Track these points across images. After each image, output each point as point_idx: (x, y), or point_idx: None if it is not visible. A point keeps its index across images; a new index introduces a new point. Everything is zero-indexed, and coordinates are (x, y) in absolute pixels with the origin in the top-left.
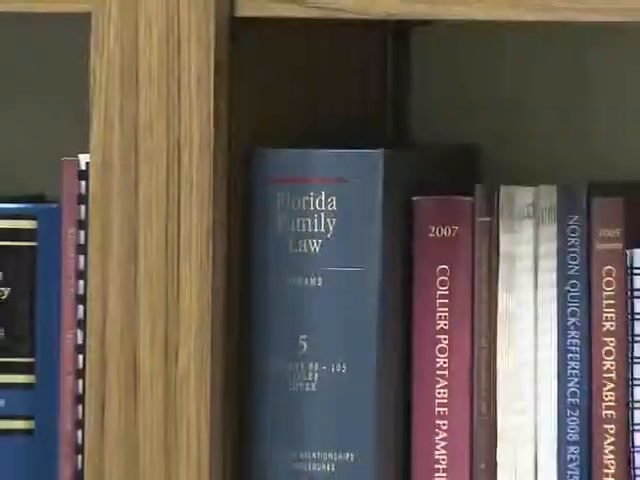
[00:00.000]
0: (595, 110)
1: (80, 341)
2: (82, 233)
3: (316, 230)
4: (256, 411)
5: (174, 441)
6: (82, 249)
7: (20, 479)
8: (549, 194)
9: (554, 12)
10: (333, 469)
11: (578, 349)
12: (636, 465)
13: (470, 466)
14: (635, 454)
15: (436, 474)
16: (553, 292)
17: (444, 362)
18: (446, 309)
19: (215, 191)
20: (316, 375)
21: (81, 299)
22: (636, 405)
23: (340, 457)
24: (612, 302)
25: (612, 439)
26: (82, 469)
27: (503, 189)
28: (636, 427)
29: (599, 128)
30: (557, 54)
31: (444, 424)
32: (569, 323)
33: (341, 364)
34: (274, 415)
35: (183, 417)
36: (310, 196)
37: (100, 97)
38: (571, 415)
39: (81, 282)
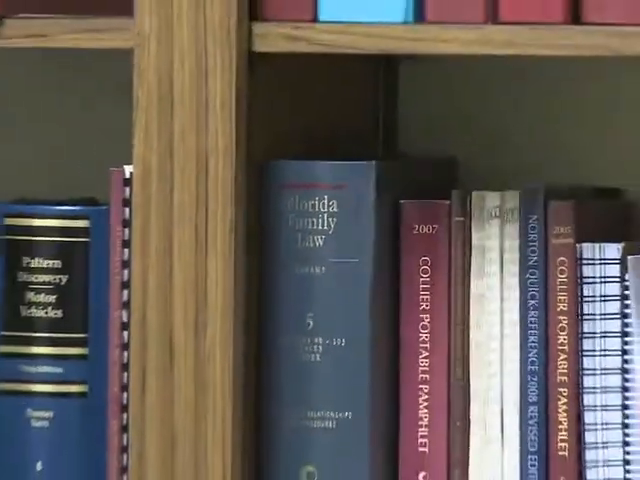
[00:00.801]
0: (554, 129)
1: (125, 319)
2: (126, 230)
3: (320, 228)
4: (270, 377)
5: (203, 402)
6: (126, 244)
7: (76, 434)
8: (513, 198)
9: (516, 48)
10: (334, 426)
11: (536, 325)
12: (585, 422)
13: (447, 422)
14: (584, 412)
15: (419, 429)
16: (516, 279)
17: (426, 336)
18: (427, 293)
19: (236, 196)
20: (320, 347)
21: (126, 285)
22: (585, 372)
23: (340, 415)
24: (565, 287)
25: (565, 400)
26: (127, 424)
27: (474, 194)
28: (585, 390)
29: (558, 142)
30: (523, 82)
31: (426, 387)
32: (529, 304)
33: (341, 338)
34: (285, 380)
35: (210, 383)
36: (315, 200)
37: (141, 118)
38: (531, 380)
39: (125, 271)
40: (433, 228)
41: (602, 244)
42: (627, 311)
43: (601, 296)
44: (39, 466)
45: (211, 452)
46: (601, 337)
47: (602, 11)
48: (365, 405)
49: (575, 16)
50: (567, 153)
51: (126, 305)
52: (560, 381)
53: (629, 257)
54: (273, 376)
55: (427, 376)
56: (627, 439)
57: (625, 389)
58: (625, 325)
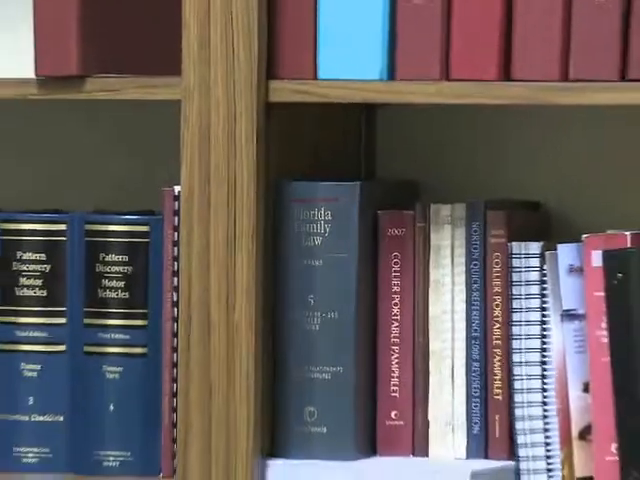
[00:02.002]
0: (491, 160)
1: (175, 299)
2: (176, 234)
3: (318, 231)
4: (282, 342)
5: (232, 361)
6: (176, 243)
7: (139, 384)
8: (460, 209)
9: (463, 98)
10: (329, 377)
11: (478, 303)
12: (513, 374)
13: (412, 374)
14: (513, 367)
15: (392, 379)
16: (463, 269)
17: (397, 311)
18: (398, 279)
19: (257, 208)
20: (318, 320)
21: (175, 274)
22: (513, 337)
23: (333, 369)
24: (498, 275)
25: (499, 358)
26: (176, 377)
27: (432, 206)
28: (513, 351)
29: (495, 169)
30: (470, 124)
31: (397, 349)
32: (473, 287)
33: (334, 312)
34: (293, 344)
35: (237, 347)
36: (314, 210)
37: (186, 151)
38: (474, 343)
39: (175, 263)
40: (401, 231)
41: (526, 243)
42: (545, 292)
43: (525, 281)
44: (112, 408)
45: (239, 397)
46: (525, 311)
47: (526, 71)
48: (352, 362)
49: (506, 74)
50: (501, 176)
51: (176, 289)
52: (495, 344)
53: (546, 252)
54: (284, 341)
55: (397, 340)
56: (544, 386)
57: (543, 350)
58: (543, 302)
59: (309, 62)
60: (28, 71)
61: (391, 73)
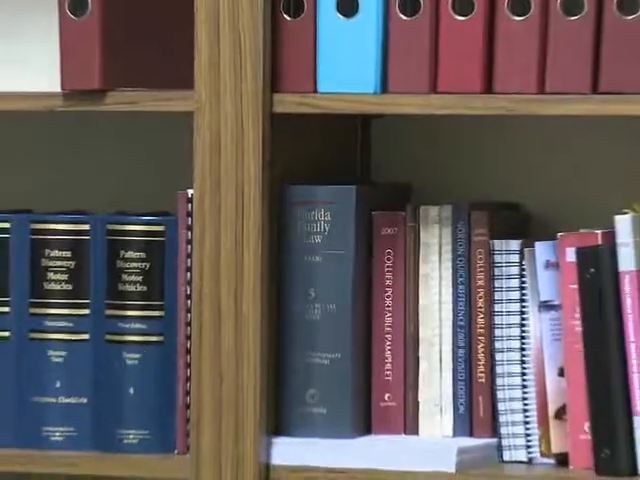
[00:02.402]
0: (475, 165)
1: (188, 292)
2: (189, 233)
3: (318, 230)
4: (285, 331)
5: (240, 348)
6: (189, 242)
7: (156, 369)
8: (447, 210)
9: (448, 109)
10: (329, 363)
11: (463, 295)
12: (495, 359)
13: (404, 360)
14: (495, 353)
15: (385, 365)
16: (449, 264)
17: (389, 303)
18: (390, 273)
19: (263, 209)
20: (319, 311)
21: (189, 269)
22: (495, 326)
23: (332, 355)
24: (482, 269)
25: (483, 345)
26: (190, 362)
27: (422, 207)
28: (495, 338)
29: (478, 174)
30: (457, 132)
31: (390, 336)
32: (458, 281)
33: (332, 304)
34: (295, 333)
35: (245, 335)
36: (315, 211)
37: (198, 158)
38: (460, 331)
39: (189, 260)
40: (394, 230)
41: (507, 240)
42: (524, 285)
43: (506, 275)
44: (131, 391)
45: (246, 381)
46: (506, 302)
47: (506, 84)
48: (349, 349)
49: (489, 88)
50: (484, 180)
51: (189, 283)
52: (479, 332)
53: (525, 249)
54: (287, 330)
55: (390, 329)
56: (523, 371)
57: (522, 337)
58: (522, 295)
59: (310, 77)
60: (55, 86)
61: (384, 87)
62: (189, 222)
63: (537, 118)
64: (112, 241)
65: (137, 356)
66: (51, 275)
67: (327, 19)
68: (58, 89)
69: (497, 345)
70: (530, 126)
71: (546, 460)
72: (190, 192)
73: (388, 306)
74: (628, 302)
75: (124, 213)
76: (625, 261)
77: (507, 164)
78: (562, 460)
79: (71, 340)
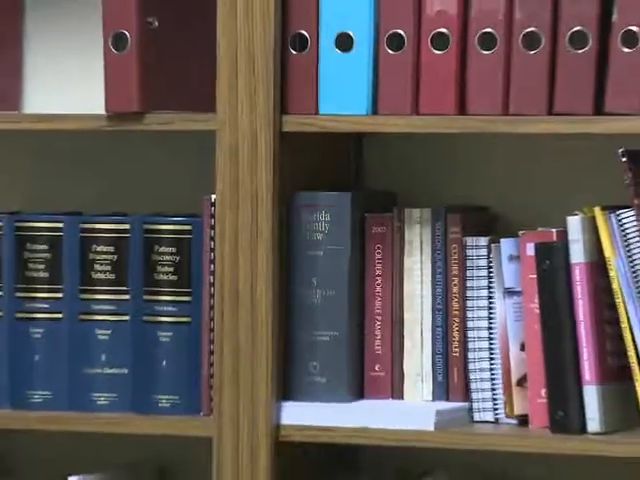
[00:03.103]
0: (451, 175)
1: (212, 281)
2: (212, 231)
3: (319, 229)
4: (292, 313)
5: (255, 328)
6: (212, 239)
7: (185, 345)
8: (427, 212)
9: (426, 128)
10: (328, 339)
11: (441, 284)
12: (467, 337)
13: (391, 337)
14: (467, 332)
15: (375, 342)
16: (429, 257)
17: (379, 290)
18: (380, 266)
19: (273, 212)
20: (319, 296)
21: (212, 262)
22: (467, 309)
23: (331, 333)
24: (456, 261)
25: (457, 325)
26: (213, 339)
27: (406, 210)
28: (467, 319)
29: (453, 181)
30: (435, 148)
31: (379, 317)
32: (437, 272)
33: (331, 290)
34: (300, 314)
35: (258, 315)
36: (317, 213)
37: (220, 169)
38: (437, 313)
39: (212, 254)
40: (383, 229)
41: (477, 237)
42: (491, 275)
43: (476, 266)
44: (164, 363)
45: (260, 355)
46: (476, 289)
47: (477, 107)
48: (345, 328)
49: (462, 110)
50: (458, 187)
51: (212, 273)
52: (454, 314)
53: (492, 245)
54: (294, 312)
55: (380, 311)
56: (491, 346)
57: (490, 318)
58: (490, 283)
59: (312, 101)
60: (100, 108)
61: (374, 109)
62: (212, 222)
63: (502, 136)
64: (148, 238)
65: (169, 334)
66: (97, 267)
67: (327, 53)
68: (103, 111)
69: (469, 325)
70: (496, 142)
71: (510, 420)
72: (213, 197)
73: (378, 292)
74: (578, 289)
75: (158, 215)
76: (576, 255)
77: (477, 174)
78: (523, 420)
79: (114, 321)
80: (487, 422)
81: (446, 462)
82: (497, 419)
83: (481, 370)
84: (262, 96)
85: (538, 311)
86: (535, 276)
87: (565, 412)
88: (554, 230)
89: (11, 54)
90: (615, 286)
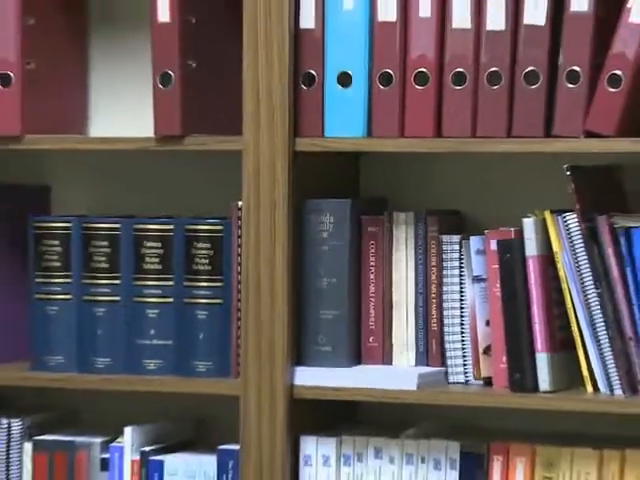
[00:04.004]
0: (430, 184)
1: (239, 271)
2: (239, 231)
3: (325, 229)
4: (302, 295)
5: (274, 308)
6: (239, 237)
7: (217, 321)
8: (411, 215)
9: (411, 147)
10: (332, 317)
11: (422, 272)
12: (443, 314)
13: (383, 315)
14: (443, 310)
15: (370, 319)
16: (413, 251)
17: (373, 277)
18: (374, 257)
19: (288, 215)
20: (325, 282)
21: (239, 255)
22: (443, 293)
23: (334, 312)
24: (434, 254)
25: (435, 305)
26: (240, 317)
27: (394, 213)
28: (443, 301)
29: (432, 190)
30: (419, 164)
31: (373, 299)
32: (419, 262)
33: (334, 278)
34: (309, 297)
35: (276, 299)
36: (323, 216)
37: (245, 181)
38: (419, 296)
39: (239, 249)
40: (376, 229)
41: (451, 235)
42: (462, 265)
43: (450, 258)
44: (201, 336)
45: (277, 329)
46: (451, 277)
47: (449, 131)
48: (346, 307)
49: (439, 133)
50: (436, 195)
51: (239, 264)
52: (433, 297)
53: (463, 241)
54: (305, 295)
55: (373, 294)
56: (462, 322)
57: (461, 300)
58: (461, 271)
59: (319, 127)
60: (150, 132)
61: (369, 133)
62: (239, 224)
63: (471, 154)
64: (188, 236)
65: (205, 313)
66: (147, 259)
67: (331, 89)
68: (151, 134)
69: (444, 305)
70: (466, 159)
71: (477, 382)
72: (240, 203)
73: (372, 279)
74: (532, 277)
75: (196, 217)
76: (530, 249)
77: (451, 185)
78: (488, 382)
79: (161, 302)
80: (459, 383)
81: (426, 415)
82: (467, 381)
83: (454, 341)
84: (279, 122)
85: (500, 294)
86: (497, 266)
87: (521, 375)
88: (512, 229)
89: (78, 87)
90: (561, 274)
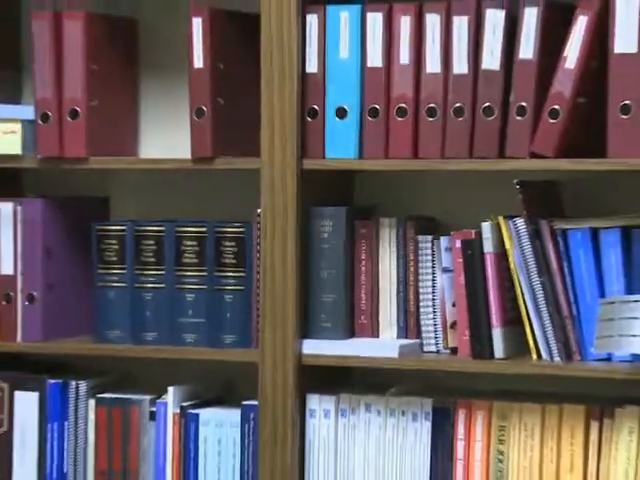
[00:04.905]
0: (410, 196)
1: (258, 264)
2: (258, 232)
3: (326, 229)
4: (309, 283)
5: (286, 294)
6: (259, 237)
7: (240, 303)
8: (394, 220)
9: (394, 167)
10: (331, 300)
11: (403, 265)
12: (419, 298)
13: (372, 298)
14: (419, 295)
15: (361, 301)
16: (395, 249)
17: (364, 269)
18: (364, 253)
19: (297, 220)
20: (325, 273)
21: (258, 252)
22: (419, 281)
23: (333, 296)
24: (412, 251)
25: (413, 290)
26: (259, 300)
27: (381, 218)
28: (419, 287)
29: (415, 199)
30: (401, 180)
31: (364, 286)
32: (400, 256)
33: (334, 270)
34: (314, 284)
35: (288, 286)
36: (325, 221)
37: (263, 193)
38: (400, 284)
39: (258, 247)
40: (366, 230)
41: (425, 236)
42: (434, 259)
43: (424, 254)
44: (228, 314)
45: (288, 309)
46: (425, 268)
47: (425, 153)
48: (342, 292)
49: (416, 154)
50: (415, 204)
51: (258, 258)
52: (410, 284)
53: (435, 240)
54: (309, 283)
55: (364, 282)
56: (434, 304)
57: (433, 287)
58: (433, 264)
59: (321, 150)
60: (187, 154)
61: (360, 155)
62: (258, 227)
63: (440, 171)
64: (218, 237)
65: (231, 296)
66: (186, 255)
67: (330, 120)
68: (188, 156)
69: (420, 291)
70: (437, 175)
71: (446, 351)
72: (259, 211)
73: (363, 271)
74: (489, 268)
75: (224, 222)
76: (487, 247)
77: (426, 196)
78: (454, 351)
79: (196, 289)
80: (431, 352)
81: (406, 377)
82: (438, 350)
83: (427, 319)
84: (289, 147)
85: (463, 282)
86: (461, 260)
87: (480, 345)
88: (473, 231)
89: (131, 118)
90: (512, 267)
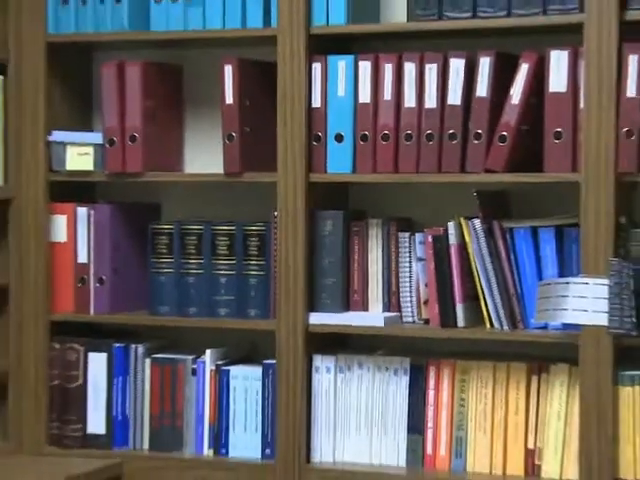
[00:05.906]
0: (396, 202)
1: (275, 256)
2: (275, 230)
3: (327, 228)
4: (314, 271)
5: (295, 278)
6: (275, 234)
7: (261, 285)
8: (379, 221)
9: (385, 179)
10: (331, 283)
11: (387, 256)
12: (399, 282)
13: (363, 282)
14: (400, 279)
15: (354, 284)
16: (380, 243)
17: (357, 258)
18: (357, 246)
19: (305, 221)
20: (326, 261)
21: (275, 245)
22: (400, 268)
23: (332, 279)
24: (394, 245)
25: (395, 276)
26: (276, 283)
27: (369, 219)
28: (400, 273)
29: (397, 205)
30: (388, 189)
31: (356, 272)
32: (384, 249)
33: (332, 258)
34: (318, 271)
35: (298, 272)
36: (326, 222)
37: (280, 200)
38: (385, 270)
39: (275, 242)
40: (359, 229)
41: (404, 232)
42: (411, 251)
43: (403, 247)
44: (252, 293)
45: (299, 289)
46: (403, 258)
47: (404, 168)
48: (340, 276)
49: (396, 170)
50: (396, 208)
51: (276, 251)
52: (392, 270)
53: (411, 236)
54: (315, 270)
55: (357, 268)
56: (410, 286)
57: (410, 272)
58: (410, 255)
59: (323, 167)
60: (220, 169)
61: (354, 171)
62: (275, 226)
63: (417, 183)
64: (245, 234)
65: (255, 280)
66: (220, 248)
67: (331, 144)
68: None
69: (400, 275)
70: (415, 187)
71: (420, 321)
72: (276, 213)
73: (356, 259)
74: (453, 258)
75: (249, 222)
76: (452, 241)
77: (405, 202)
78: (427, 321)
79: (228, 274)
80: (409, 322)
81: (389, 341)
82: (414, 321)
83: (406, 297)
84: (299, 164)
85: (433, 268)
86: (432, 251)
87: (447, 317)
88: (441, 228)
89: (178, 140)
90: (471, 257)
